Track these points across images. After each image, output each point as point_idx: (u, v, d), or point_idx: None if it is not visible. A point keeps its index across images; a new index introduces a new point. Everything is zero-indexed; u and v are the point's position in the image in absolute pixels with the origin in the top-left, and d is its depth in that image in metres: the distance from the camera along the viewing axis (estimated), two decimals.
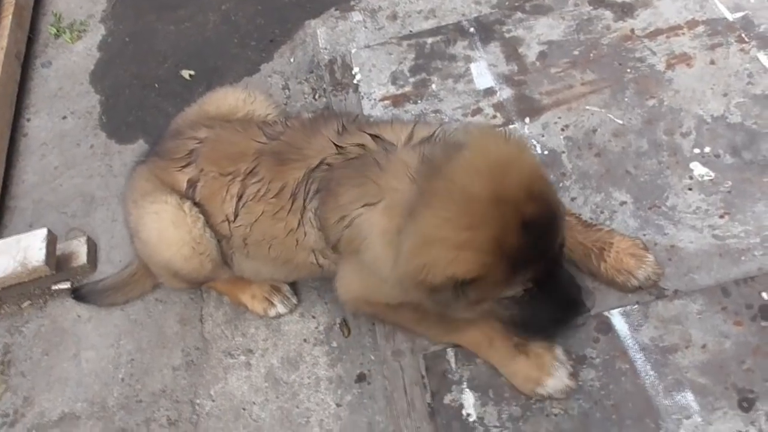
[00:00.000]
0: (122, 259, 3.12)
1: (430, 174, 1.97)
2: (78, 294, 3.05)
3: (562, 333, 2.32)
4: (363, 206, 2.14)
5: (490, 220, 1.83)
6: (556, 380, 2.26)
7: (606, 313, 2.40)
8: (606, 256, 2.41)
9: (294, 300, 2.84)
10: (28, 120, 3.85)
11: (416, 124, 2.31)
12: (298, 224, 2.36)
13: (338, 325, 2.76)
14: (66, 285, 3.14)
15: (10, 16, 3.99)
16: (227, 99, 2.85)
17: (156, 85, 3.77)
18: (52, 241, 3.07)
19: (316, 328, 2.79)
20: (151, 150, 2.87)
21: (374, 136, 2.25)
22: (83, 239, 3.19)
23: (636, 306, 2.39)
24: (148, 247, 2.65)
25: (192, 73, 3.72)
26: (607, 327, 2.38)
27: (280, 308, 2.81)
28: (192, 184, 2.57)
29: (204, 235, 2.56)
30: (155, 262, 2.70)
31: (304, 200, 2.31)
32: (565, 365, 2.28)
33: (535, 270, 1.95)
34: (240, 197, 2.45)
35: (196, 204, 2.57)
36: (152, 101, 3.72)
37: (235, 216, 2.48)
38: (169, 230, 2.55)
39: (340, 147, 2.27)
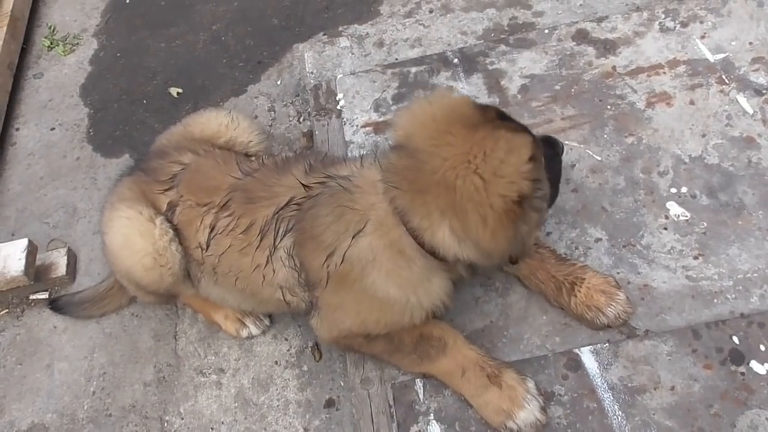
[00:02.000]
0: (101, 272, 3.03)
1: (397, 165, 1.99)
2: (55, 305, 2.96)
3: None
4: (352, 238, 2.07)
5: (476, 123, 1.93)
6: (528, 413, 2.18)
7: (576, 350, 2.32)
8: (577, 291, 2.35)
9: (266, 322, 2.75)
10: (17, 129, 3.75)
11: (363, 155, 2.33)
12: (267, 261, 2.31)
13: (310, 349, 2.67)
14: (44, 295, 3.05)
15: (5, 27, 3.91)
16: (211, 123, 2.83)
17: (144, 101, 3.68)
18: (32, 251, 2.98)
19: (288, 350, 2.69)
20: (136, 166, 2.84)
21: (329, 176, 2.25)
22: (63, 251, 3.09)
23: (606, 344, 2.31)
24: (112, 251, 2.61)
25: (180, 90, 3.63)
26: (576, 364, 2.29)
27: (253, 329, 2.73)
28: (171, 207, 2.54)
29: (168, 249, 2.50)
30: (117, 268, 2.65)
31: (275, 239, 2.26)
32: (537, 398, 2.20)
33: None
34: (212, 228, 2.42)
35: (172, 225, 2.53)
36: (139, 117, 3.62)
37: (207, 246, 2.44)
38: (134, 238, 2.51)
39: (307, 187, 2.25)
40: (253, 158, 2.73)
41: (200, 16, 3.98)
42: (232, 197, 2.40)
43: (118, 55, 3.97)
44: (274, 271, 2.30)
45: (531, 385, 2.22)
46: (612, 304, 2.32)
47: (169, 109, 3.57)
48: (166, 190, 2.56)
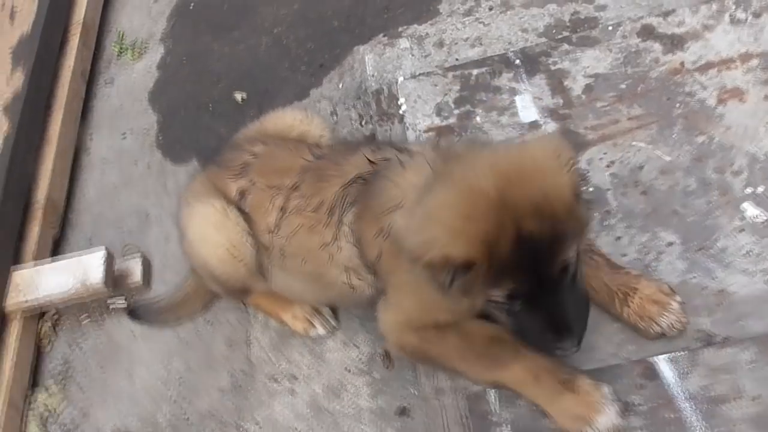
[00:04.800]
0: (174, 279, 3.01)
1: (448, 159, 1.95)
2: (134, 313, 2.96)
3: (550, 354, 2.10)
4: (392, 211, 2.03)
5: (488, 218, 1.72)
6: (607, 418, 2.05)
7: (651, 359, 2.18)
8: (630, 301, 2.22)
9: (333, 323, 2.70)
10: (91, 137, 3.75)
11: (439, 138, 2.32)
12: (333, 238, 2.27)
13: (380, 357, 2.59)
14: (122, 302, 3.06)
15: (78, 36, 3.90)
16: (285, 118, 2.85)
17: (210, 106, 3.63)
18: (110, 260, 2.99)
19: (358, 357, 2.62)
20: (210, 161, 2.86)
21: (401, 148, 2.25)
22: (138, 258, 3.10)
23: (684, 353, 2.16)
24: (191, 245, 2.61)
25: (244, 96, 3.56)
26: (652, 373, 2.15)
27: (320, 330, 2.68)
28: (242, 193, 2.54)
29: (242, 242, 2.49)
30: (195, 260, 2.65)
31: (340, 214, 2.24)
32: (614, 403, 2.07)
33: (520, 283, 1.81)
34: (283, 209, 2.41)
35: (242, 212, 2.52)
36: (205, 122, 3.58)
37: (277, 227, 2.43)
38: (210, 231, 2.52)
39: (373, 162, 2.24)
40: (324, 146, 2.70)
41: (262, 19, 3.89)
42: (304, 178, 2.40)
43: (184, 59, 3.92)
44: (339, 248, 2.27)
45: (606, 389, 2.09)
46: (665, 314, 2.18)
47: (234, 115, 3.51)
48: (236, 175, 2.56)
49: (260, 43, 3.80)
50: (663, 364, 2.16)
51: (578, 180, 1.83)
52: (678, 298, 2.20)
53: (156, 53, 4.03)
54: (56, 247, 3.33)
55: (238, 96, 3.57)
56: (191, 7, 4.17)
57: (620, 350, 2.23)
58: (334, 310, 2.72)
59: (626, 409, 2.10)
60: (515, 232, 1.71)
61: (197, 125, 3.58)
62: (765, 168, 2.43)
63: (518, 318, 1.94)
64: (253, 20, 3.92)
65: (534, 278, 1.80)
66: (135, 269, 3.06)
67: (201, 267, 2.64)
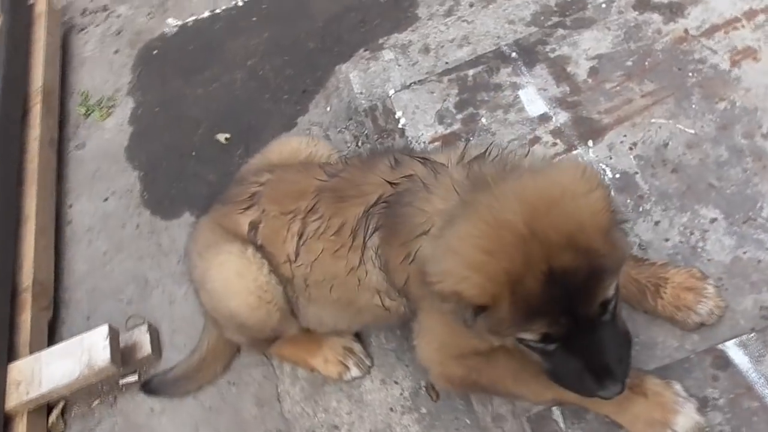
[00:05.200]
0: (186, 342, 2.83)
1: (477, 187, 1.77)
2: (148, 388, 2.75)
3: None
4: (419, 237, 1.87)
5: (512, 253, 1.55)
6: (686, 417, 1.91)
7: (720, 347, 2.06)
8: (663, 292, 2.10)
9: (368, 362, 2.53)
10: (70, 206, 3.55)
11: (468, 143, 2.13)
12: (360, 262, 2.11)
13: (424, 389, 2.42)
14: (134, 378, 2.85)
15: (39, 104, 3.71)
16: (290, 143, 2.72)
17: (193, 153, 3.47)
18: (114, 336, 2.78)
19: (401, 394, 2.45)
20: (214, 200, 2.67)
21: (424, 159, 2.06)
22: (144, 327, 2.90)
23: (753, 334, 2.04)
24: (214, 298, 2.41)
25: (228, 136, 3.41)
26: (724, 362, 2.03)
27: (354, 371, 2.51)
28: (254, 226, 2.36)
29: (270, 282, 2.31)
30: (222, 314, 2.44)
31: (365, 237, 2.08)
32: (689, 399, 1.95)
33: (553, 324, 1.62)
34: (301, 235, 2.24)
35: (258, 248, 2.34)
36: (191, 170, 3.41)
37: (296, 255, 2.26)
38: (233, 280, 2.32)
39: (394, 183, 2.05)
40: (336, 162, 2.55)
41: (232, 55, 3.77)
42: (320, 199, 2.22)
43: (157, 109, 3.77)
44: (366, 272, 2.12)
45: (678, 387, 1.96)
46: (702, 300, 2.07)
47: (221, 157, 3.36)
48: (245, 209, 2.38)
49: (235, 79, 3.67)
50: (734, 350, 2.04)
51: (612, 203, 1.66)
52: (711, 282, 2.10)
53: (125, 108, 3.87)
54: (53, 332, 3.10)
55: (222, 137, 3.43)
56: (155, 54, 4.04)
57: (684, 342, 2.10)
58: (366, 346, 2.56)
59: (704, 404, 1.96)
60: (545, 268, 1.54)
61: (183, 175, 3.42)
62: None
63: (553, 359, 1.76)
64: (223, 56, 3.80)
65: (569, 319, 1.62)
66: (143, 340, 2.87)
67: (227, 319, 2.45)
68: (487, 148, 1.97)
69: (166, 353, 2.90)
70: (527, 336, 1.68)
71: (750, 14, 2.59)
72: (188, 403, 2.72)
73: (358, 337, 2.57)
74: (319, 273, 2.23)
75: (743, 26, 2.58)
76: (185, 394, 2.73)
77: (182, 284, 2.98)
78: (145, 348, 2.86)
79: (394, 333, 2.55)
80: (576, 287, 1.57)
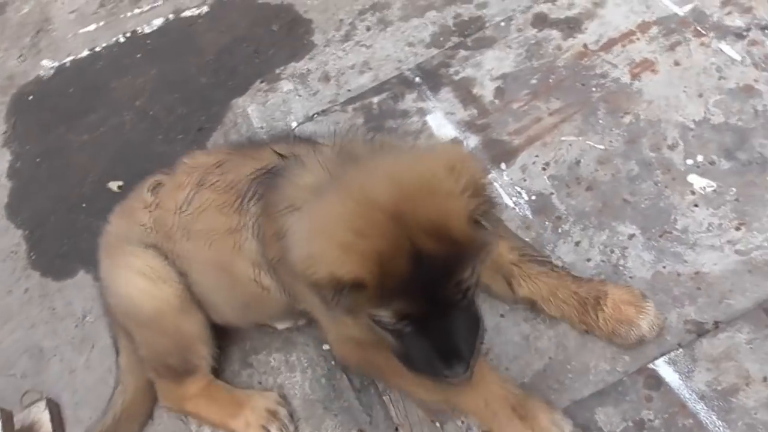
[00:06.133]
0: (92, 415, 2.55)
1: (347, 163, 1.78)
2: None
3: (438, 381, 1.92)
4: (289, 211, 1.85)
5: (381, 234, 1.54)
6: None
7: (651, 366, 2.05)
8: (603, 305, 2.10)
9: (291, 428, 2.36)
10: None
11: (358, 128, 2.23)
12: (239, 225, 2.13)
13: None
14: None
15: None
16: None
17: (83, 205, 3.20)
18: (8, 419, 2.51)
19: None
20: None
21: (311, 142, 2.17)
22: (42, 403, 2.61)
23: (680, 349, 2.05)
24: (110, 291, 2.39)
25: (120, 183, 3.17)
26: (656, 381, 2.03)
27: None
28: (156, 185, 2.42)
29: (164, 266, 2.31)
30: (121, 309, 2.38)
31: (247, 203, 2.11)
32: (562, 428, 1.97)
33: (411, 305, 1.64)
34: (199, 184, 2.27)
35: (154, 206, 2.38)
36: (83, 224, 3.14)
37: (187, 203, 2.27)
38: (126, 267, 2.32)
39: (282, 156, 2.09)
40: None
41: (118, 95, 3.54)
42: (228, 158, 2.29)
43: (38, 160, 3.48)
44: (245, 239, 2.12)
45: (558, 415, 1.99)
46: (642, 314, 2.07)
47: (114, 207, 3.05)
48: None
49: (123, 122, 3.44)
50: (664, 368, 2.04)
51: (482, 201, 1.64)
52: (648, 299, 2.10)
53: (2, 160, 3.56)
54: None
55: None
56: (30, 100, 3.75)
57: (615, 364, 2.09)
58: (289, 398, 2.39)
59: (641, 427, 1.95)
60: (412, 250, 1.54)
61: (74, 229, 3.14)
62: (698, 135, 2.40)
63: (406, 341, 1.76)
64: (109, 98, 3.56)
65: (428, 301, 1.64)
66: (42, 418, 2.57)
67: (127, 315, 2.36)
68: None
69: (69, 429, 2.62)
70: (385, 316, 1.67)
71: (643, 26, 2.65)
72: None
73: (284, 398, 2.41)
74: (202, 223, 2.23)
75: (638, 39, 2.64)
76: None
77: (83, 351, 2.74)
78: (45, 426, 2.56)
79: (319, 383, 2.40)
80: (438, 271, 1.58)
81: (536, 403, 2.02)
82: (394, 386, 2.22)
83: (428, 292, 1.61)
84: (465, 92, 2.72)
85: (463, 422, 2.13)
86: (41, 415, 2.59)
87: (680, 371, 2.01)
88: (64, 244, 3.13)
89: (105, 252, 2.46)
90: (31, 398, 2.69)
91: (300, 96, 3.05)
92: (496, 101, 2.67)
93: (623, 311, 2.08)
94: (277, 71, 3.22)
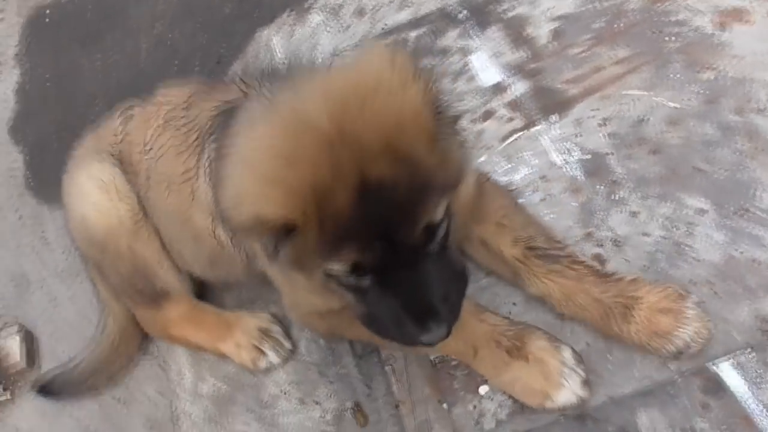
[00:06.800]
0: (69, 352, 2.41)
1: (280, 86, 1.55)
2: (47, 389, 2.34)
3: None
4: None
5: (318, 161, 1.28)
6: (568, 393, 1.72)
7: (711, 367, 1.71)
8: (633, 315, 1.72)
9: (288, 345, 2.20)
10: None
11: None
12: (194, 168, 1.95)
13: (350, 412, 2.06)
14: (4, 396, 2.38)
15: None
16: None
17: None
18: None
19: (322, 417, 2.09)
20: None
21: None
22: (15, 332, 2.50)
23: (749, 352, 1.69)
24: (69, 212, 2.28)
25: None
26: (716, 386, 1.70)
27: (272, 357, 2.19)
28: (126, 113, 2.27)
29: (122, 184, 2.17)
30: (79, 232, 2.25)
31: (203, 144, 1.91)
32: (576, 370, 1.75)
33: (362, 251, 1.35)
34: (164, 124, 2.10)
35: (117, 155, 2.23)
36: None
37: (151, 145, 2.12)
38: (85, 183, 2.20)
39: (245, 93, 1.85)
40: None
41: (136, 20, 3.35)
42: (198, 90, 2.11)
43: (48, 83, 3.34)
44: (199, 185, 1.93)
45: (567, 353, 1.76)
46: (682, 324, 1.69)
47: None
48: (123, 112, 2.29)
49: (139, 48, 3.26)
50: (728, 372, 1.71)
51: (437, 95, 1.34)
52: (694, 298, 1.73)
53: (10, 78, 3.45)
54: None
55: None
56: (47, 21, 3.60)
57: (667, 360, 1.73)
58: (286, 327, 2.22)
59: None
60: (358, 179, 1.27)
61: None
62: None
63: (368, 299, 1.48)
64: (126, 22, 3.38)
65: (386, 244, 1.34)
66: (12, 347, 2.47)
67: (85, 239, 2.22)
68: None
69: (44, 363, 2.50)
70: (336, 267, 1.39)
71: None
72: (64, 422, 2.34)
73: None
74: (161, 169, 2.07)
75: None
76: (94, 391, 2.37)
77: (70, 284, 2.62)
78: (14, 356, 2.46)
79: (317, 343, 2.19)
80: (394, 205, 1.30)
81: (538, 339, 1.79)
82: (367, 343, 2.02)
83: (384, 234, 1.33)
84: (516, 32, 2.40)
85: (475, 408, 1.84)
86: (12, 343, 2.49)
87: (747, 377, 1.69)
88: (63, 171, 2.92)
89: (70, 169, 2.31)
90: (6, 324, 2.57)
91: (329, 30, 2.77)
92: (552, 44, 2.33)
93: (656, 322, 1.72)
94: (307, 3, 2.94)
